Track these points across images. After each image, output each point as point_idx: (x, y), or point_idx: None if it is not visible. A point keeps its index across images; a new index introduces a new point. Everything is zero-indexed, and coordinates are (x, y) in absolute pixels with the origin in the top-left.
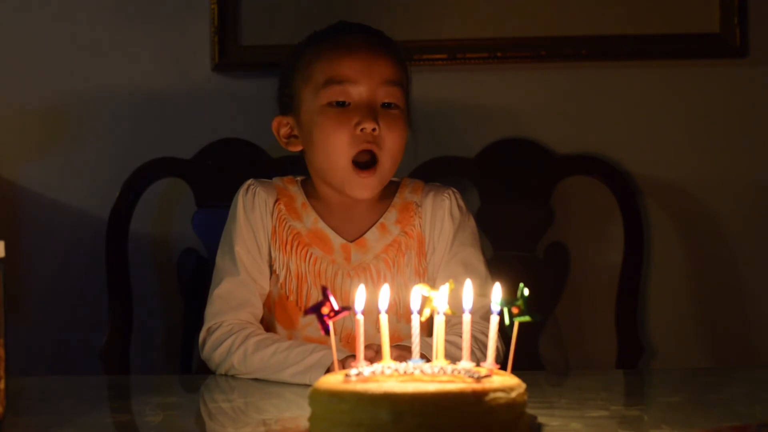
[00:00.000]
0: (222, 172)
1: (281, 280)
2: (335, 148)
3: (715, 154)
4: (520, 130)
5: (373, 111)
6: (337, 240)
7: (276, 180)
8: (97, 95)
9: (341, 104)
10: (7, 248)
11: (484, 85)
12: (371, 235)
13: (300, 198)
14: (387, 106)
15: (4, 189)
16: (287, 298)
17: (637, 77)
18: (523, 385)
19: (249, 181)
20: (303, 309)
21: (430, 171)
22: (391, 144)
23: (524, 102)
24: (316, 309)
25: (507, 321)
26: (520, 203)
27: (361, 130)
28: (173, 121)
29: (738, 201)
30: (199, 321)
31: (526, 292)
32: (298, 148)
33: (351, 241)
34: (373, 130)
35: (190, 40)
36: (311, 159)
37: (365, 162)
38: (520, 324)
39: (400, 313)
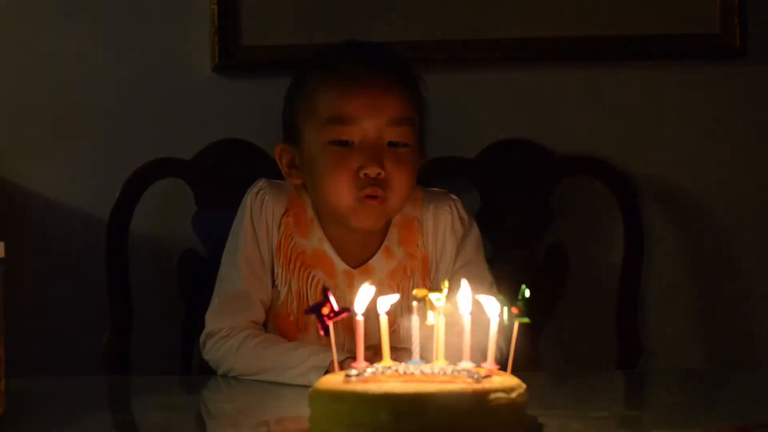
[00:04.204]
0: (222, 172)
1: (282, 298)
2: (337, 190)
3: (715, 154)
4: (520, 130)
5: (377, 153)
6: (340, 266)
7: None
8: (97, 95)
9: (344, 143)
10: (7, 248)
11: (484, 85)
12: (376, 261)
13: (310, 211)
14: (394, 145)
15: (4, 189)
16: (288, 317)
17: (637, 77)
18: (524, 386)
19: (260, 183)
20: (303, 330)
21: (430, 171)
22: (398, 185)
23: (524, 102)
24: (316, 309)
25: (506, 321)
26: (520, 203)
27: (365, 174)
28: (173, 121)
29: (738, 201)
30: (199, 321)
31: (528, 293)
32: (298, 182)
33: (355, 267)
34: (378, 174)
35: (190, 40)
36: (313, 193)
37: (371, 197)
38: (520, 324)
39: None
